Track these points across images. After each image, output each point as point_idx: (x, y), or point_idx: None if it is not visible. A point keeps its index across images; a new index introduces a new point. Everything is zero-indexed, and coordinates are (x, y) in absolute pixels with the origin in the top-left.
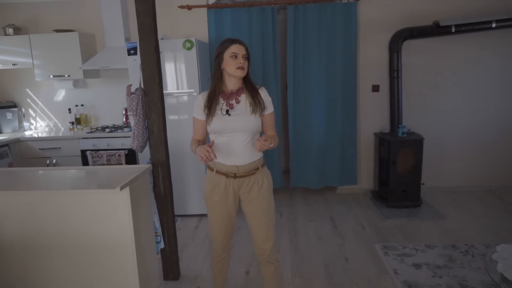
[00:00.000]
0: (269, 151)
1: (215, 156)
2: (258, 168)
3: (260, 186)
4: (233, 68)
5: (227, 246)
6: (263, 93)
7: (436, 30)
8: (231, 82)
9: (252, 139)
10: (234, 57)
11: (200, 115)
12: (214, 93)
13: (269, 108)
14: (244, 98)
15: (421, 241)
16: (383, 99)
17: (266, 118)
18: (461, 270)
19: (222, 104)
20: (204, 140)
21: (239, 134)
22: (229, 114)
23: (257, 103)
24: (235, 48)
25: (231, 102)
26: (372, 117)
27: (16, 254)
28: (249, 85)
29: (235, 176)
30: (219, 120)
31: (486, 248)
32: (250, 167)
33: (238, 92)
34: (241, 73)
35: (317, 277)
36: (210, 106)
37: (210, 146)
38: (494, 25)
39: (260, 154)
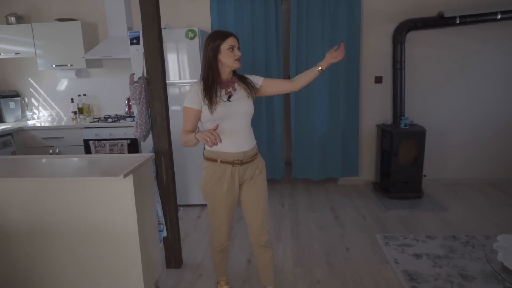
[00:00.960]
0: (271, 142)
1: (220, 140)
2: (256, 153)
3: (260, 171)
4: (231, 60)
5: (230, 234)
6: (249, 77)
7: (440, 21)
8: (225, 73)
9: (249, 124)
10: (231, 49)
11: (196, 104)
12: (213, 82)
13: (260, 78)
14: (237, 85)
15: (422, 232)
16: (386, 91)
17: (268, 82)
18: (461, 260)
19: (221, 92)
20: (195, 131)
21: (241, 119)
22: (230, 100)
23: (249, 87)
24: (231, 41)
25: (228, 89)
26: (374, 108)
27: (19, 241)
28: (236, 74)
29: (241, 163)
30: (223, 107)
31: (487, 239)
32: (252, 152)
33: (233, 80)
34: (239, 65)
35: (318, 266)
36: (211, 95)
37: (215, 130)
38: (499, 16)
39: (255, 141)
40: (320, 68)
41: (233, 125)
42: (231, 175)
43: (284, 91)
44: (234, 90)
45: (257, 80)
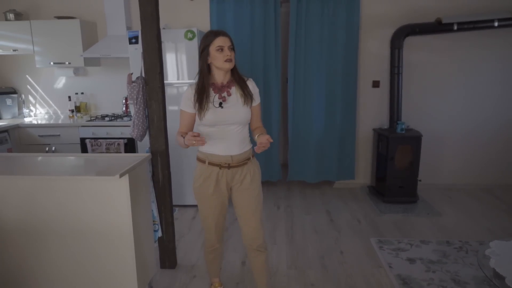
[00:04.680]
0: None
1: (203, 140)
2: (249, 158)
3: (252, 176)
4: (221, 62)
5: (221, 237)
6: (251, 84)
7: (438, 27)
8: (220, 75)
9: (243, 129)
10: (220, 50)
11: (189, 108)
12: (203, 87)
13: (257, 99)
14: (234, 90)
15: (416, 236)
16: (383, 95)
17: (255, 109)
18: (455, 265)
19: (214, 97)
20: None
21: (232, 125)
22: (222, 107)
23: (247, 95)
24: (220, 41)
25: (223, 94)
26: (371, 112)
27: (13, 239)
28: (237, 77)
29: (229, 167)
30: (212, 113)
31: (480, 245)
32: (243, 157)
33: (228, 85)
34: (230, 65)
35: (312, 269)
36: (201, 100)
37: (194, 135)
38: (496, 24)
39: (250, 145)
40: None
41: (223, 130)
42: (218, 178)
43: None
44: (229, 95)
45: (256, 96)
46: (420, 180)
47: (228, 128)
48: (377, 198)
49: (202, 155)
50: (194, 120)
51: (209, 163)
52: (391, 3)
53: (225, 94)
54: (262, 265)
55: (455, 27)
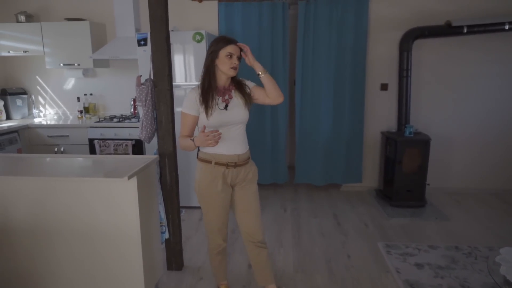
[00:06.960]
0: (275, 146)
1: (219, 135)
2: (249, 158)
3: (253, 174)
4: (227, 67)
5: (226, 235)
6: (246, 82)
7: (447, 30)
8: (222, 79)
9: (243, 128)
10: (229, 56)
11: (194, 110)
12: (210, 88)
13: (251, 84)
14: (234, 93)
15: (424, 241)
16: (391, 98)
17: (255, 90)
18: (463, 271)
19: (218, 99)
20: (192, 136)
21: (236, 126)
22: (227, 109)
23: (246, 95)
24: (231, 49)
25: (226, 97)
26: (379, 115)
27: (21, 239)
28: (235, 81)
29: (235, 165)
30: (218, 115)
31: (489, 251)
32: (246, 156)
33: (229, 88)
34: (234, 73)
35: (319, 272)
36: (207, 102)
37: (204, 131)
38: (507, 26)
39: (248, 146)
40: (258, 73)
41: (228, 131)
42: (224, 176)
43: (265, 103)
44: (231, 98)
45: (250, 84)
46: (428, 184)
47: (233, 129)
48: (385, 202)
49: (207, 156)
50: (197, 123)
51: (216, 163)
52: (400, 5)
53: (227, 97)
54: (266, 260)
55: (465, 30)
